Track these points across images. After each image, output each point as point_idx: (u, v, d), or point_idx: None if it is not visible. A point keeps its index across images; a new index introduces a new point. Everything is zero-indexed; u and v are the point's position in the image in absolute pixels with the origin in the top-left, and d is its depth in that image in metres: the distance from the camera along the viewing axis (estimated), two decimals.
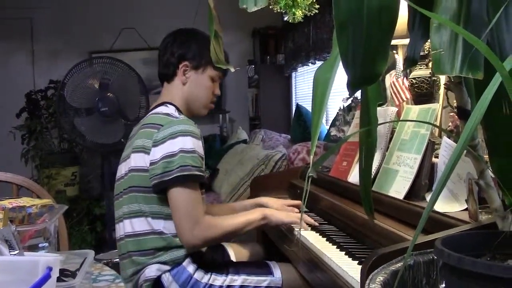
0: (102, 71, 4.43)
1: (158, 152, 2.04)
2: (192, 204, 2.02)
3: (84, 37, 6.19)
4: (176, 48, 2.25)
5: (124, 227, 2.14)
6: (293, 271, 2.15)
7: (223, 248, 2.46)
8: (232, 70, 1.19)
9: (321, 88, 1.00)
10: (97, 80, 4.41)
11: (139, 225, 2.10)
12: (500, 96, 0.82)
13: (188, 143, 2.03)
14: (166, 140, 2.04)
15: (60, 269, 1.24)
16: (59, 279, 1.22)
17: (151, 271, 2.06)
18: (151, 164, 2.05)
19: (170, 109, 2.18)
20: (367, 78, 0.91)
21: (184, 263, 2.07)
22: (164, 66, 2.28)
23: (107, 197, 4.64)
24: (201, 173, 2.05)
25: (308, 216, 2.27)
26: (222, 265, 2.18)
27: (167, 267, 2.06)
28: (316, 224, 2.19)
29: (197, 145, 2.06)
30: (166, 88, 2.31)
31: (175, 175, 2.00)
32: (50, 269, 1.08)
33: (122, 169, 2.23)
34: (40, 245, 1.51)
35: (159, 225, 2.07)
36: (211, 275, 2.09)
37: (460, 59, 0.86)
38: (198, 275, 2.07)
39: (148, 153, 2.07)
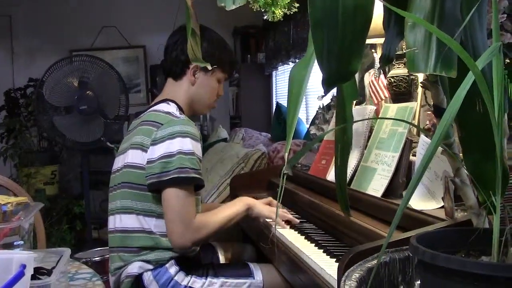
0: (82, 69, 4.40)
1: (156, 151, 2.02)
2: (185, 206, 2.01)
3: (64, 35, 6.13)
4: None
5: (115, 221, 2.14)
6: (274, 272, 2.15)
7: (212, 249, 2.47)
8: (209, 68, 1.19)
9: (296, 86, 1.00)
10: (77, 78, 4.38)
11: (129, 221, 2.09)
12: (473, 95, 0.84)
13: (186, 145, 2.02)
14: (164, 139, 2.02)
15: (36, 267, 1.23)
16: (35, 277, 1.22)
17: (134, 267, 2.06)
18: (148, 162, 2.04)
19: (172, 108, 2.15)
20: (342, 75, 0.92)
21: (167, 265, 2.07)
22: (172, 62, 2.25)
23: (86, 196, 4.61)
24: (198, 176, 2.04)
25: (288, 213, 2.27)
26: (203, 267, 2.18)
27: (150, 266, 2.06)
28: (297, 221, 2.20)
29: (195, 147, 2.05)
30: (171, 85, 2.28)
31: (172, 176, 1.98)
32: (23, 266, 1.07)
33: (119, 162, 2.22)
34: (15, 243, 1.49)
35: (150, 223, 2.06)
36: (191, 277, 2.08)
37: (434, 58, 0.87)
38: (179, 277, 2.06)
39: (146, 151, 2.06)
